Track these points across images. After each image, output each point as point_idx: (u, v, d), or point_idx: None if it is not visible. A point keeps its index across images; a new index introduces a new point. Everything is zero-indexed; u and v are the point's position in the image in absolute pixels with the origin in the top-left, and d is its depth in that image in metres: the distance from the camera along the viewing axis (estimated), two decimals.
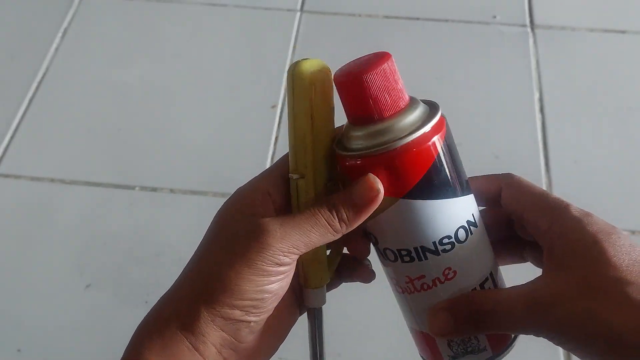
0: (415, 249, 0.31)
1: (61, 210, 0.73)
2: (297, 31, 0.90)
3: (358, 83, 0.30)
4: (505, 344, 0.33)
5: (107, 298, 0.65)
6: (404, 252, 0.31)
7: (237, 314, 0.31)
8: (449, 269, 0.31)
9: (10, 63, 0.88)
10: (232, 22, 0.92)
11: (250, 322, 0.31)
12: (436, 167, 0.30)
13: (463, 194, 0.31)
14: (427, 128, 0.30)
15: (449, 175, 0.30)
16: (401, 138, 0.29)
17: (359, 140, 0.30)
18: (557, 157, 0.76)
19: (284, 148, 0.41)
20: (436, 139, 0.30)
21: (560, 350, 0.61)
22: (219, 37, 0.91)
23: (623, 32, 0.89)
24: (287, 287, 0.32)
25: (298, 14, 0.92)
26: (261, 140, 0.78)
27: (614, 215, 0.79)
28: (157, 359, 0.30)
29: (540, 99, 0.81)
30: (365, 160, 0.30)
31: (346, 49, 0.88)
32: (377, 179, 0.30)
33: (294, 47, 0.88)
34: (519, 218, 0.33)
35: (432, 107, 0.31)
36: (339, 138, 0.32)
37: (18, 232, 0.71)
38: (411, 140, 0.29)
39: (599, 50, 0.87)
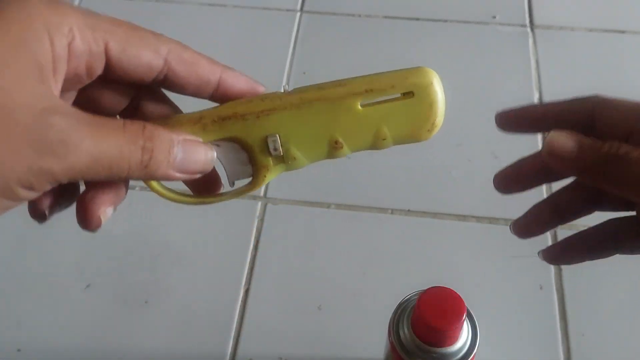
0: None
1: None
2: (297, 31, 0.90)
3: (439, 332, 0.40)
4: None
5: (107, 298, 0.65)
6: None
7: None
8: None
9: None
10: (231, 22, 0.92)
11: None
12: None
13: None
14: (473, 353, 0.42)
15: None
16: None
17: (420, 353, 0.42)
18: None
19: None
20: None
21: (560, 350, 0.61)
22: (218, 37, 0.91)
23: (622, 32, 0.89)
24: None
25: (298, 14, 0.92)
26: None
27: (613, 216, 0.79)
28: None
29: (540, 99, 0.81)
30: None
31: (346, 49, 0.88)
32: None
33: (294, 47, 0.88)
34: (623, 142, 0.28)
35: (472, 329, 0.43)
36: (397, 336, 0.43)
37: (17, 232, 0.71)
38: None
39: (598, 50, 0.87)
